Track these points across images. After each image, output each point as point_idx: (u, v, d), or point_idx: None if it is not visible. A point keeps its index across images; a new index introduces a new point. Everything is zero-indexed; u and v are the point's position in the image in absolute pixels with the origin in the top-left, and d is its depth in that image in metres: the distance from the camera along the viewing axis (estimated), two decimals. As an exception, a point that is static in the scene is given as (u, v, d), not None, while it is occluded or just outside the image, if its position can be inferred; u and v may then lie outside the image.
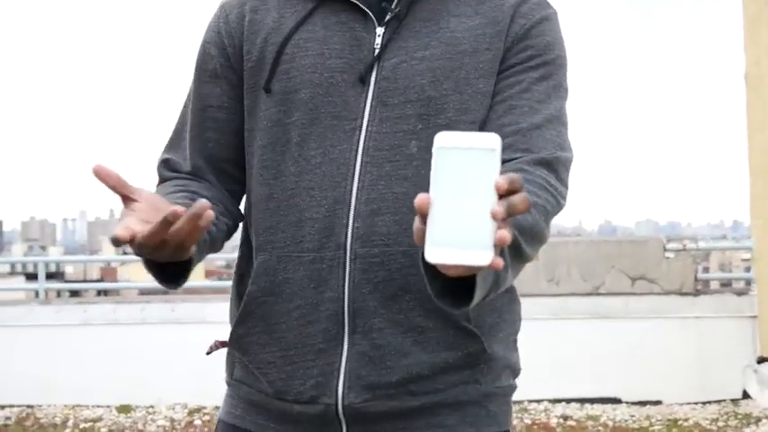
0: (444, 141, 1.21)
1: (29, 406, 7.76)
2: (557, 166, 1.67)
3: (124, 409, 7.61)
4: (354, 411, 1.66)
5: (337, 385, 1.66)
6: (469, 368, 1.71)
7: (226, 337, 1.82)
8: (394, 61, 1.68)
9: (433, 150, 1.23)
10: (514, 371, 1.80)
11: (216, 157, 1.80)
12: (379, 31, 1.68)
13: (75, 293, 13.24)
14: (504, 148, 1.44)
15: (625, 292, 7.79)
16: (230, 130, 1.79)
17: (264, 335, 1.72)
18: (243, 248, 1.83)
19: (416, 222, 1.23)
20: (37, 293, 9.17)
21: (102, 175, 1.42)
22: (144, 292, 13.00)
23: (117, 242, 1.41)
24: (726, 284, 8.82)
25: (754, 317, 7.60)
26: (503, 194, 1.20)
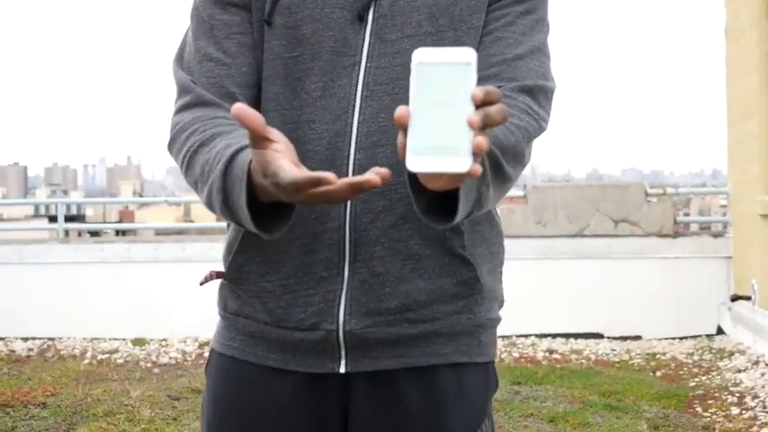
0: (422, 57, 1.22)
1: (50, 339, 7.87)
2: (538, 94, 1.69)
3: (139, 341, 7.71)
4: (354, 337, 1.67)
5: (338, 312, 1.66)
6: (464, 298, 1.72)
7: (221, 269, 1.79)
8: (397, 3, 1.68)
9: (412, 66, 1.24)
10: (501, 303, 1.83)
11: (245, 84, 1.75)
12: None
13: (94, 234, 13.42)
14: (491, 78, 1.62)
15: (608, 234, 7.84)
16: (256, 56, 1.74)
17: (264, 264, 1.70)
18: None
19: (399, 137, 1.23)
20: (58, 233, 9.28)
21: (243, 116, 1.33)
22: (159, 232, 13.14)
23: (312, 183, 1.34)
24: (704, 227, 8.78)
25: (729, 257, 7.67)
26: (479, 105, 1.20)
